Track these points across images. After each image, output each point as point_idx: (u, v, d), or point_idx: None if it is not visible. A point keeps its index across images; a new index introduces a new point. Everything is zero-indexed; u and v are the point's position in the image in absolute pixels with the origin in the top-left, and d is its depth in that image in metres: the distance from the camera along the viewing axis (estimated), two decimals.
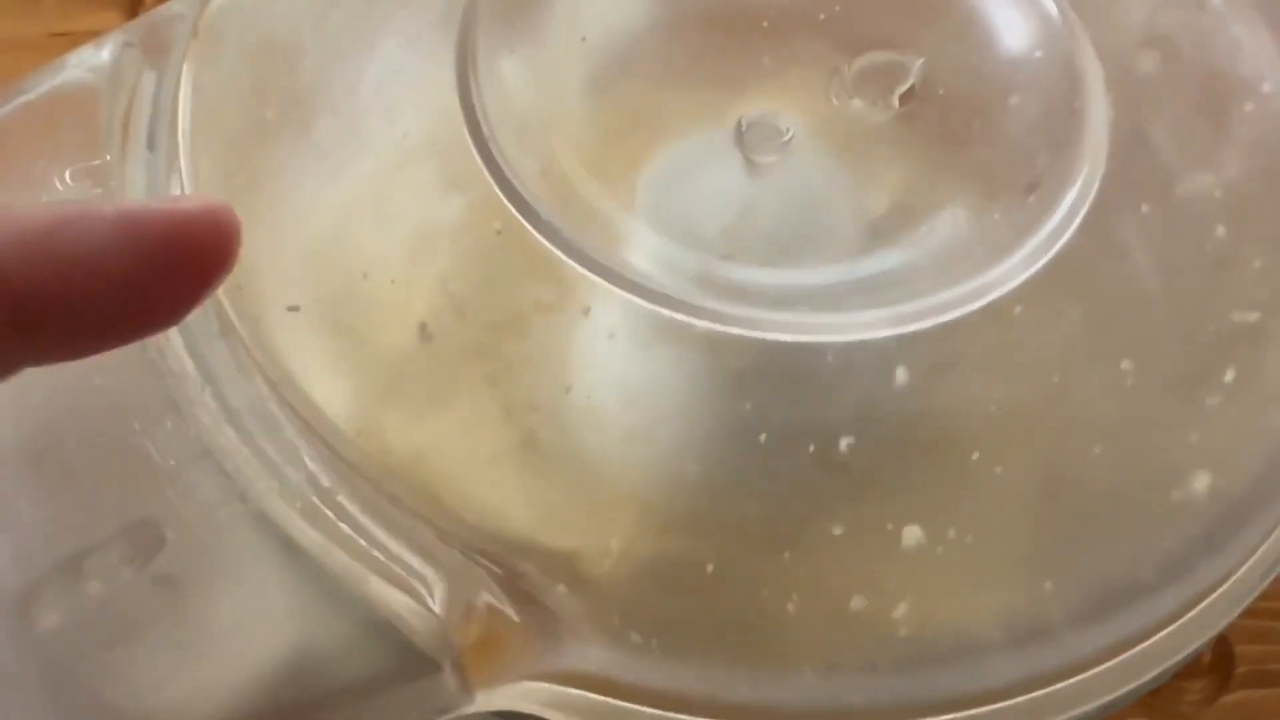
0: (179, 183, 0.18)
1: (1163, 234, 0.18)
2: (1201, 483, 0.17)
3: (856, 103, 0.21)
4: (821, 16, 0.22)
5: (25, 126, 0.18)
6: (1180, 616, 0.17)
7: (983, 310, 0.17)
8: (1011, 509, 0.16)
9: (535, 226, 0.18)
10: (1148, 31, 0.20)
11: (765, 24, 0.22)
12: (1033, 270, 0.18)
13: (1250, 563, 0.17)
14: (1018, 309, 0.17)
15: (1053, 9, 0.20)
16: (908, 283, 0.18)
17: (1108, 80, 0.20)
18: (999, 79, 0.21)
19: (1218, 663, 0.26)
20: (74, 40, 0.19)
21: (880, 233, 0.20)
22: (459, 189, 0.18)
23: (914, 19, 0.22)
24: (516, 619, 0.16)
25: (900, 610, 0.16)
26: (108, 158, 0.18)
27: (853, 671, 0.16)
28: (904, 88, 0.21)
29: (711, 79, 0.22)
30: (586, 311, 0.17)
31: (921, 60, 0.21)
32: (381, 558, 0.16)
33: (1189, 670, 0.18)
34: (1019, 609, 0.16)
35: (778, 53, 0.22)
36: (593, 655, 0.16)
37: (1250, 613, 0.17)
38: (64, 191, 0.18)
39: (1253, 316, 0.18)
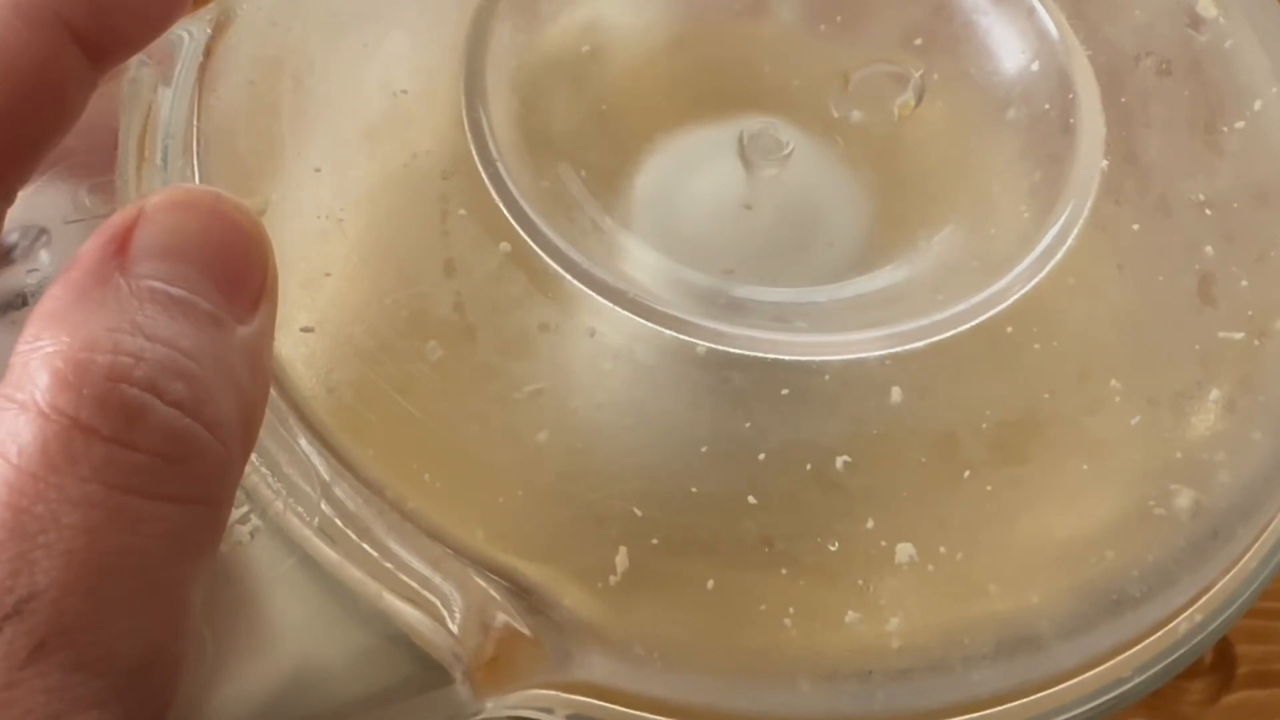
0: None
1: (1153, 252, 0.19)
2: (1185, 499, 0.17)
3: (856, 114, 0.22)
4: (822, 28, 0.22)
5: None
6: (1164, 626, 0.18)
7: (975, 330, 0.18)
8: (1000, 525, 0.17)
9: (541, 246, 0.18)
10: (1143, 48, 0.21)
11: (767, 36, 0.22)
12: (1025, 289, 0.18)
13: (1230, 575, 0.18)
14: (1009, 328, 0.18)
15: (1050, 25, 0.21)
16: (903, 300, 0.19)
17: (1103, 97, 0.20)
18: (996, 93, 0.21)
19: (1219, 663, 0.27)
20: None
21: (878, 248, 0.20)
22: (467, 209, 0.18)
23: (914, 31, 0.22)
24: (528, 633, 0.16)
25: (893, 624, 0.16)
26: (119, 181, 0.18)
27: (847, 682, 0.16)
28: (903, 99, 0.22)
29: (713, 90, 0.22)
30: (591, 332, 0.18)
31: (920, 72, 0.22)
32: (398, 574, 0.16)
33: (1190, 670, 0.18)
34: (1007, 622, 0.17)
35: (779, 64, 0.22)
36: (598, 665, 0.17)
37: (1251, 613, 0.18)
38: (88, 207, 0.19)
39: (1238, 336, 0.18)
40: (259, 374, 0.14)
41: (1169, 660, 0.17)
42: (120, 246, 0.13)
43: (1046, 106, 0.21)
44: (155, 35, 0.17)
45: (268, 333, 0.15)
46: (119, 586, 0.12)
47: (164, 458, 0.13)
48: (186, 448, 0.13)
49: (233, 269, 0.14)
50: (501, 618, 0.16)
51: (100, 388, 0.12)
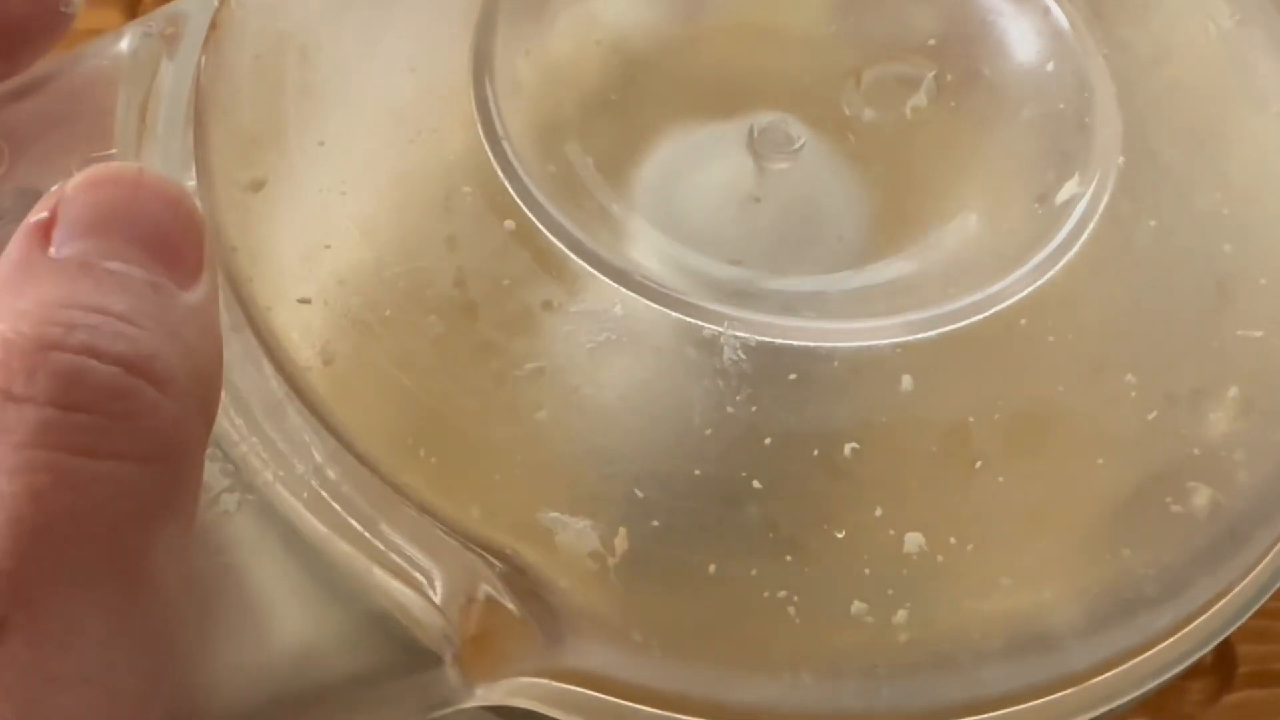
0: (194, 174, 0.18)
1: (1170, 249, 0.18)
2: (1202, 497, 0.17)
3: (869, 112, 0.21)
4: (835, 26, 0.22)
5: (43, 116, 0.19)
6: (1179, 630, 0.17)
7: (989, 320, 0.18)
8: (1012, 519, 0.16)
9: (546, 226, 0.18)
10: (1160, 48, 0.20)
11: (780, 33, 0.22)
12: (1040, 282, 0.18)
13: (1250, 578, 0.17)
14: (1024, 320, 0.18)
15: (1065, 24, 0.20)
16: (916, 291, 0.18)
17: (1119, 96, 0.20)
18: (1010, 92, 0.21)
19: (1220, 663, 0.26)
20: (74, 39, 0.20)
21: (889, 241, 0.20)
22: (472, 187, 0.18)
23: (927, 30, 0.22)
24: (517, 613, 0.16)
25: (900, 616, 0.16)
26: (118, 150, 0.18)
27: (852, 675, 0.16)
28: (916, 98, 0.21)
29: (724, 84, 0.22)
30: (595, 312, 0.17)
31: (934, 72, 0.21)
32: (385, 549, 0.16)
33: (1191, 670, 0.18)
34: (1018, 618, 0.16)
35: (791, 60, 0.22)
36: (593, 653, 0.16)
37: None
38: None
39: (1257, 333, 0.18)
40: (210, 336, 0.14)
41: (1183, 665, 0.17)
42: (45, 231, 0.13)
43: (1061, 106, 0.20)
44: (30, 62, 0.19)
45: (213, 299, 0.15)
46: (76, 553, 0.12)
47: (108, 415, 0.12)
48: (132, 403, 0.12)
49: (167, 239, 0.14)
50: (485, 589, 0.15)
51: (29, 358, 0.12)
